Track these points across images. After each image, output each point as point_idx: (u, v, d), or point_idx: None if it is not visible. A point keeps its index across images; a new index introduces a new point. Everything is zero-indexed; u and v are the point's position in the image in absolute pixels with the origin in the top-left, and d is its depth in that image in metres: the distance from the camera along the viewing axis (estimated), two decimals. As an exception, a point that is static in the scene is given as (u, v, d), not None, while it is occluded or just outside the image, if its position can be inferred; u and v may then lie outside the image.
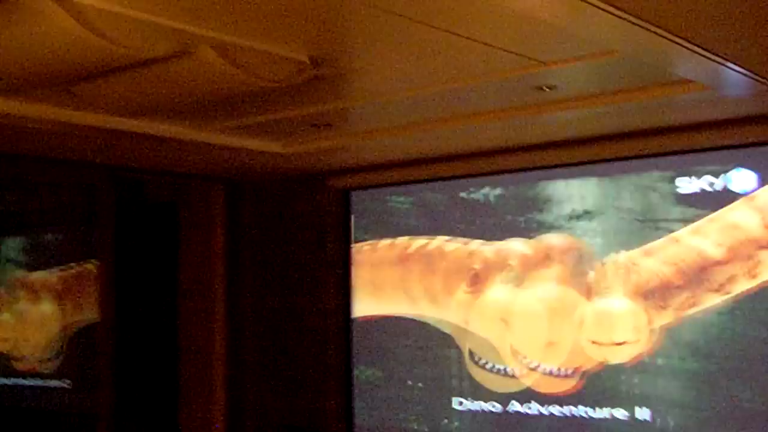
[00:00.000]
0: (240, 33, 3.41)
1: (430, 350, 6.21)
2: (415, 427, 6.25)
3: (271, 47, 3.57)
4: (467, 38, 3.52)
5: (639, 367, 5.32)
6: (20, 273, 9.24)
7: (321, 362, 6.68)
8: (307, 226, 6.78)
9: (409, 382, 6.30)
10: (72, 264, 8.52)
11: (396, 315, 6.37)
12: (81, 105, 4.41)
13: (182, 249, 7.23)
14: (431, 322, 6.20)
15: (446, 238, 6.14)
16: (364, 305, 6.55)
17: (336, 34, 3.56)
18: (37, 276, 9.01)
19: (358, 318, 6.58)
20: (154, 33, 3.21)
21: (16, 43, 3.19)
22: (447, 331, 6.11)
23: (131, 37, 3.13)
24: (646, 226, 5.31)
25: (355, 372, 6.57)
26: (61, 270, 8.69)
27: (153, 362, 7.39)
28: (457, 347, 6.07)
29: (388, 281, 6.41)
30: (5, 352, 9.25)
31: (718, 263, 5.04)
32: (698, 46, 3.41)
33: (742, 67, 3.76)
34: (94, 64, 3.38)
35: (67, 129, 4.88)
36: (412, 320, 6.29)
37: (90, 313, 8.02)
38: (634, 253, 5.33)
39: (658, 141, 5.13)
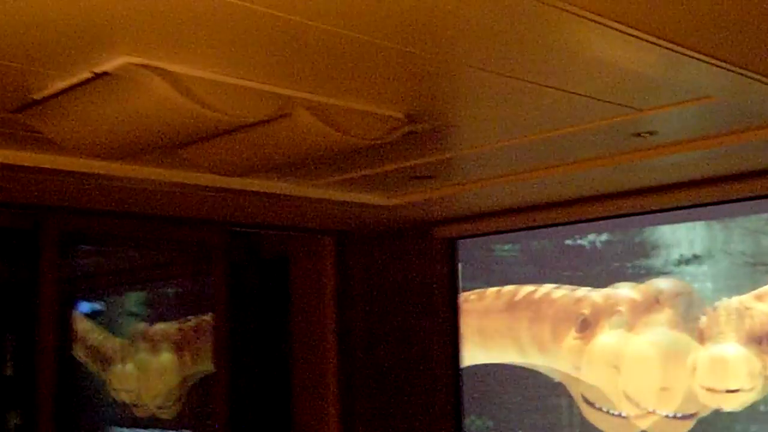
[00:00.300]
0: (336, 94, 3.52)
1: (540, 399, 6.16)
2: (527, 477, 6.20)
3: (368, 107, 3.66)
4: (563, 90, 3.56)
5: (755, 415, 5.16)
6: (141, 325, 9.54)
7: (432, 411, 6.69)
8: (415, 275, 6.85)
9: (520, 432, 6.27)
10: (189, 317, 8.76)
11: (505, 363, 6.35)
12: (191, 166, 4.59)
13: (294, 301, 7.37)
14: (541, 370, 6.16)
15: (553, 285, 6.12)
16: (472, 354, 6.55)
17: (432, 92, 3.62)
18: (157, 328, 9.29)
19: (468, 367, 6.58)
20: (252, 98, 3.33)
21: (124, 113, 3.34)
22: (557, 378, 6.06)
23: (230, 103, 3.24)
24: (757, 270, 5.19)
25: (466, 421, 6.55)
26: (180, 322, 8.94)
27: (267, 413, 7.51)
28: (568, 395, 6.01)
29: (496, 329, 6.40)
30: (127, 402, 9.54)
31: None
32: (797, 89, 3.37)
33: None
34: (197, 130, 3.52)
35: (180, 189, 5.09)
36: (522, 368, 6.26)
37: (207, 365, 8.22)
38: (746, 298, 5.21)
39: (764, 182, 5.03)
